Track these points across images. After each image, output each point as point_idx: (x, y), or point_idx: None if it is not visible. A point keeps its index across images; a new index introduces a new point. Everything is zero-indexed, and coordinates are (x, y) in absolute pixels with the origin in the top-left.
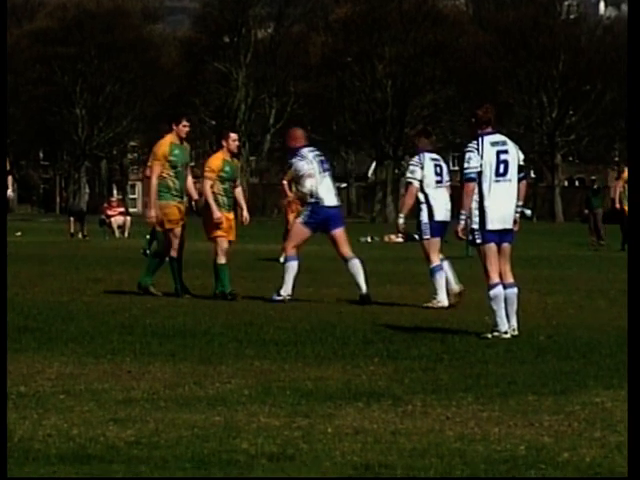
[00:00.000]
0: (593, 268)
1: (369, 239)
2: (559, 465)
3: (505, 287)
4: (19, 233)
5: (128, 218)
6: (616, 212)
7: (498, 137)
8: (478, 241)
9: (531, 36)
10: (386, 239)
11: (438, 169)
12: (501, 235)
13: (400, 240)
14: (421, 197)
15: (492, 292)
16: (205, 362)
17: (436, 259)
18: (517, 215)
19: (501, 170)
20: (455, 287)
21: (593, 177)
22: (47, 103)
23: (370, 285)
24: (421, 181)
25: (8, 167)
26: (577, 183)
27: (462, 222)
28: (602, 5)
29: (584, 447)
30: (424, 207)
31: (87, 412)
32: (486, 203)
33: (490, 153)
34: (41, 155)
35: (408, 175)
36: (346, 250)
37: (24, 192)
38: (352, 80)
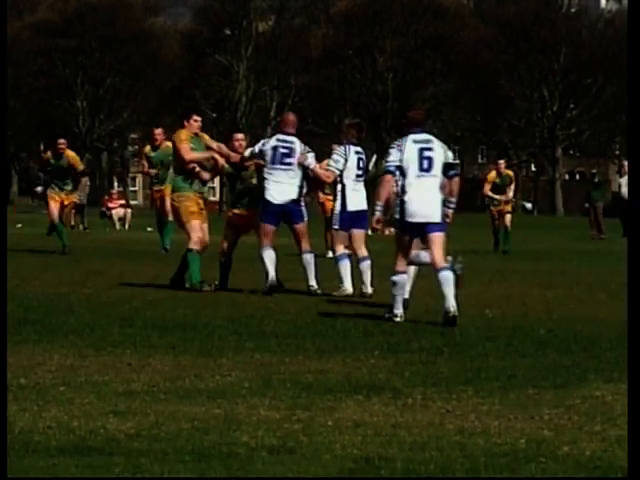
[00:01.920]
0: (594, 262)
1: (369, 232)
2: (559, 458)
3: (438, 271)
4: (20, 225)
5: (129, 210)
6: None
7: (423, 136)
8: (396, 231)
9: (532, 29)
10: (387, 232)
11: (361, 163)
12: (423, 228)
13: None
14: (338, 187)
15: (394, 277)
16: (205, 355)
17: (340, 249)
18: (450, 210)
19: (425, 166)
20: (364, 289)
21: (594, 170)
22: (48, 95)
23: (371, 278)
24: (341, 172)
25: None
26: (578, 177)
27: (378, 213)
28: None
29: (584, 441)
30: (339, 198)
31: (87, 404)
32: (406, 197)
33: (412, 150)
34: (42, 147)
35: (331, 164)
36: (305, 245)
37: (25, 184)
38: (353, 73)
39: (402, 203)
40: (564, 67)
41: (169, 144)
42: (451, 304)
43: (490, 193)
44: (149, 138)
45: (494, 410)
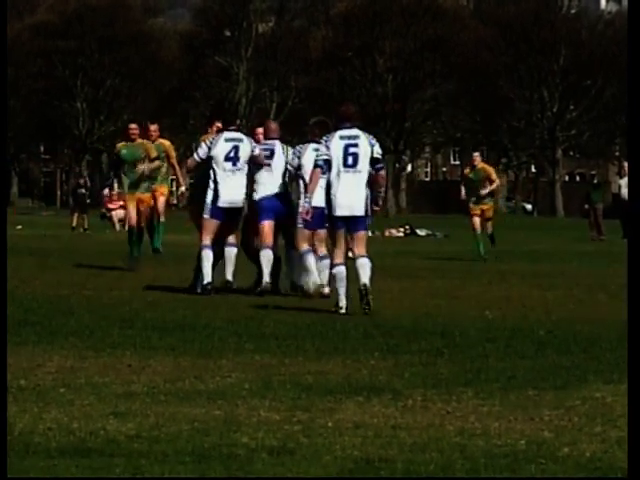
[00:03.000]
0: (593, 263)
1: (369, 233)
2: (559, 460)
3: (357, 258)
4: (20, 226)
5: None
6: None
7: (350, 131)
8: (327, 224)
9: (532, 31)
10: (387, 233)
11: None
12: (350, 222)
13: (400, 234)
14: (301, 185)
15: (333, 270)
16: (205, 356)
17: (304, 246)
18: (379, 201)
19: (350, 161)
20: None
21: (593, 172)
22: (48, 97)
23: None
24: (297, 169)
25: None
26: (578, 178)
27: (306, 205)
28: (603, 0)
29: (584, 442)
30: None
31: (87, 406)
32: (333, 191)
33: (338, 145)
34: (42, 149)
35: (288, 161)
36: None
37: (25, 186)
38: (353, 74)
39: (329, 198)
40: (564, 68)
41: (164, 141)
42: (365, 280)
43: (462, 190)
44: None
45: (494, 411)
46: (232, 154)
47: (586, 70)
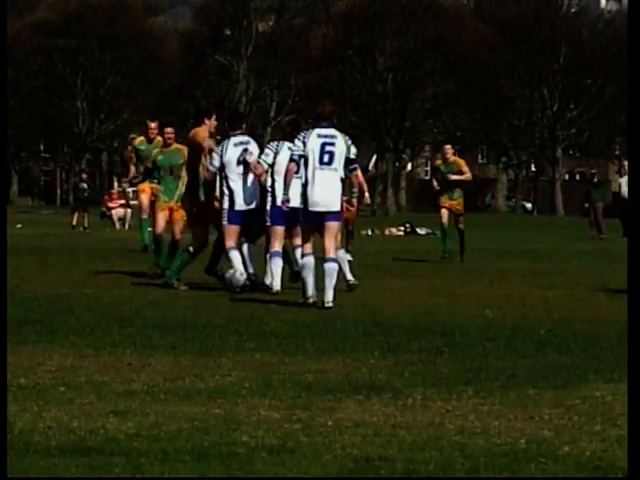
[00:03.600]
0: (593, 262)
1: (369, 232)
2: (559, 459)
3: (325, 261)
4: (19, 225)
5: (129, 210)
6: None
7: (328, 131)
8: (301, 219)
9: (532, 30)
10: (387, 232)
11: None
12: (322, 216)
13: (401, 233)
14: (269, 182)
15: (301, 260)
16: (205, 355)
17: (276, 245)
18: (354, 199)
19: (325, 159)
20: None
21: (593, 171)
22: (48, 95)
23: (371, 278)
24: (272, 166)
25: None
26: (578, 177)
27: (283, 196)
28: None
29: (584, 441)
30: (270, 194)
31: (87, 404)
32: (309, 188)
33: (315, 143)
34: (42, 147)
35: (262, 158)
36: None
37: (24, 184)
38: (353, 73)
39: (305, 194)
40: (564, 67)
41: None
42: (329, 297)
43: (434, 182)
44: (143, 132)
45: (494, 410)
46: (242, 158)
47: (586, 69)
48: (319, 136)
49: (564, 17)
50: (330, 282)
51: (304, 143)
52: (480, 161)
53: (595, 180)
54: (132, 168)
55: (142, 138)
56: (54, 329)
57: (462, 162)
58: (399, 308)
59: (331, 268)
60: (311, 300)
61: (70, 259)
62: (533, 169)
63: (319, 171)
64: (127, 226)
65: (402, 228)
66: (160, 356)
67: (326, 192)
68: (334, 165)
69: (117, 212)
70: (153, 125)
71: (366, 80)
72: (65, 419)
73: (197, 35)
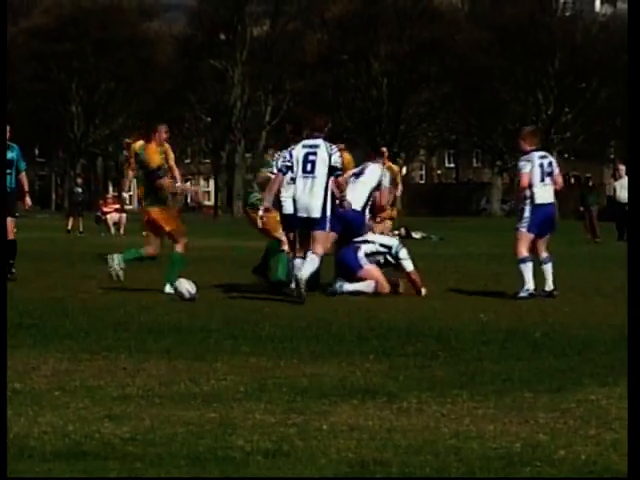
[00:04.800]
0: (588, 265)
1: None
2: (554, 462)
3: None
4: (15, 230)
5: (123, 215)
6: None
7: (313, 141)
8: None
9: (527, 33)
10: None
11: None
12: (308, 223)
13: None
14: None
15: (295, 261)
16: (200, 359)
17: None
18: (345, 203)
19: (308, 168)
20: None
21: (588, 174)
22: (43, 100)
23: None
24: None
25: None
26: (572, 180)
27: (266, 203)
28: (598, 2)
29: (579, 444)
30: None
31: (82, 409)
32: (295, 194)
33: (300, 153)
34: (36, 152)
35: (273, 165)
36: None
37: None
38: (348, 78)
39: (294, 201)
40: (559, 71)
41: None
42: (300, 273)
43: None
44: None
45: (489, 414)
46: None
47: (581, 73)
48: (304, 146)
49: (559, 21)
50: (309, 267)
51: (290, 154)
52: (475, 165)
53: (590, 184)
54: (130, 174)
55: (142, 142)
56: (49, 333)
57: (396, 168)
58: (394, 312)
59: (310, 258)
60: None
61: (65, 263)
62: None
63: (302, 179)
64: (122, 231)
65: (397, 232)
66: (155, 360)
67: (307, 198)
68: (315, 173)
69: (112, 217)
70: (164, 129)
71: (361, 84)
72: (60, 423)
73: (192, 40)
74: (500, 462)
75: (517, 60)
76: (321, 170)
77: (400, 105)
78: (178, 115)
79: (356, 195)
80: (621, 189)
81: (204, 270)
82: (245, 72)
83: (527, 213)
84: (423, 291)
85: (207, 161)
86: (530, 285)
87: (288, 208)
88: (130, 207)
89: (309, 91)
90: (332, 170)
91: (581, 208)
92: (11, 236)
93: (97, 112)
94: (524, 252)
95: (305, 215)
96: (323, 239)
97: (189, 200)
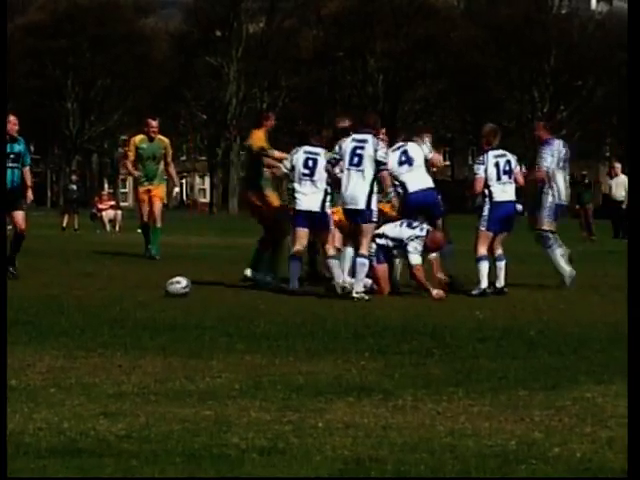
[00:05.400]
0: (584, 263)
1: None
2: (550, 460)
3: (357, 256)
4: (10, 227)
5: (119, 212)
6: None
7: (361, 136)
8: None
9: (522, 31)
10: None
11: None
12: (353, 215)
13: None
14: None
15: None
16: (196, 356)
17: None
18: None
19: (355, 161)
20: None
21: (584, 172)
22: (38, 97)
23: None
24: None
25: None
26: (568, 178)
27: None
28: (594, 0)
29: (575, 442)
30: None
31: (78, 406)
32: (342, 187)
33: (348, 146)
34: (32, 149)
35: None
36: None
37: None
38: (344, 74)
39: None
40: (554, 69)
41: (162, 138)
42: (359, 288)
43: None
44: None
45: (485, 412)
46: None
47: (577, 71)
48: (353, 140)
49: (554, 19)
50: (359, 275)
51: (340, 147)
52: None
53: (586, 181)
54: (129, 165)
55: (142, 136)
56: (44, 330)
57: None
58: (389, 310)
59: (360, 262)
60: (341, 287)
61: (60, 260)
62: (524, 170)
63: (349, 172)
64: (117, 228)
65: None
66: (150, 358)
67: (353, 190)
68: (362, 166)
69: (107, 214)
70: (154, 123)
71: (357, 81)
72: (55, 420)
73: (187, 36)
74: (495, 460)
75: (512, 58)
76: (367, 164)
77: (396, 102)
78: (173, 112)
79: (423, 177)
80: (617, 187)
81: (199, 267)
82: (241, 69)
83: (486, 212)
84: (434, 292)
85: (203, 158)
86: (483, 284)
87: (302, 204)
88: (125, 204)
89: (305, 88)
90: (378, 164)
91: (577, 206)
92: (23, 227)
93: (93, 109)
94: (482, 251)
95: (352, 207)
96: (370, 231)
97: (185, 197)
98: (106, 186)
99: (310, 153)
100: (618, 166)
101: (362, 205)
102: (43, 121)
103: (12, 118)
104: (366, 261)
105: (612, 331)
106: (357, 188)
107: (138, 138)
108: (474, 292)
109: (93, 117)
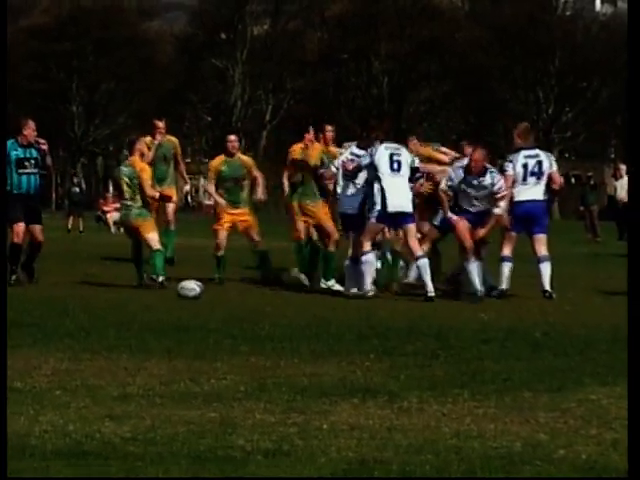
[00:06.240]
0: (589, 265)
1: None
2: (555, 462)
3: (417, 259)
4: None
5: None
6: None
7: (395, 144)
8: (373, 220)
9: (527, 32)
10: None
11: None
12: (398, 217)
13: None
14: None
15: (365, 257)
16: (201, 358)
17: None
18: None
19: (395, 167)
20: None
21: (590, 174)
22: (43, 100)
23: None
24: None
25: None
26: (573, 180)
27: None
28: (598, 1)
29: (580, 444)
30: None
31: (83, 408)
32: (385, 191)
33: (384, 154)
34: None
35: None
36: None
37: None
38: (348, 76)
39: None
40: (559, 70)
41: (171, 138)
42: (430, 287)
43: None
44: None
45: (490, 413)
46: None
47: (581, 72)
48: (387, 148)
49: (559, 20)
50: (427, 276)
51: (371, 154)
52: None
53: (591, 183)
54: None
55: (150, 138)
56: (50, 332)
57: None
58: (394, 311)
59: (424, 264)
60: (371, 293)
61: (66, 262)
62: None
63: (391, 177)
64: (122, 230)
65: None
66: (156, 360)
67: (399, 195)
68: (402, 172)
69: (112, 216)
70: (161, 124)
71: (361, 83)
72: (61, 423)
73: (192, 39)
74: (500, 461)
75: (517, 59)
76: (405, 169)
77: (401, 103)
78: (179, 114)
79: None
80: (621, 188)
81: (204, 269)
82: (245, 71)
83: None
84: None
85: (207, 160)
86: (504, 285)
87: (350, 207)
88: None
89: (310, 90)
90: (413, 171)
91: (581, 208)
92: (40, 239)
93: (97, 112)
94: (506, 251)
95: (399, 210)
96: (415, 232)
97: (189, 199)
98: (111, 188)
99: (354, 155)
100: (623, 167)
101: (410, 208)
102: (48, 124)
103: (31, 123)
104: (427, 260)
105: (617, 333)
106: (404, 193)
107: (148, 140)
108: (493, 293)
109: (98, 120)
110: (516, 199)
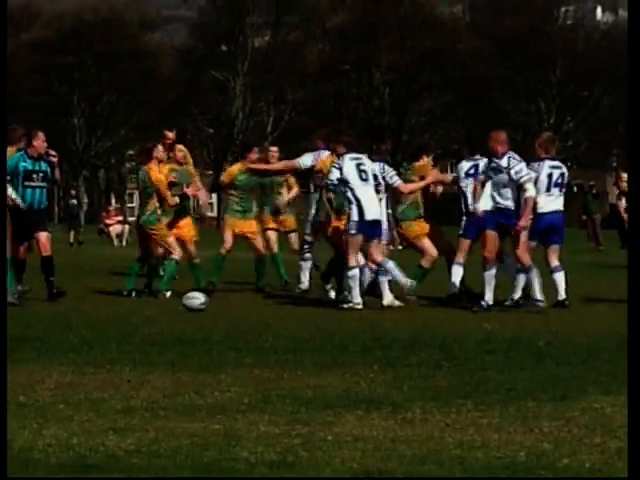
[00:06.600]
0: (591, 274)
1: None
2: (559, 471)
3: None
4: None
5: (126, 227)
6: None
7: (356, 155)
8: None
9: (528, 42)
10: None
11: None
12: (374, 226)
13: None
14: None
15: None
16: (204, 371)
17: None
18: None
19: (363, 177)
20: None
21: (592, 182)
22: (45, 113)
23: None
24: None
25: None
26: (575, 189)
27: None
28: (599, 11)
29: (584, 453)
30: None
31: (87, 421)
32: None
33: (351, 165)
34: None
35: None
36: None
37: None
38: (349, 87)
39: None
40: (560, 80)
41: (181, 147)
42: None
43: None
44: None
45: (493, 423)
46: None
47: (583, 81)
48: (351, 159)
49: (560, 29)
50: (356, 289)
51: (340, 169)
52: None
53: (593, 192)
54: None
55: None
56: (52, 346)
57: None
58: (397, 322)
59: (354, 274)
60: (359, 307)
61: (68, 276)
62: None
63: (362, 187)
64: (124, 242)
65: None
66: (159, 373)
67: (375, 204)
68: (370, 181)
69: (115, 229)
70: (171, 135)
71: (363, 94)
72: (65, 436)
73: (193, 51)
74: (505, 471)
75: (518, 69)
76: (371, 178)
77: (402, 114)
78: (180, 126)
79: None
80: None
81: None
82: (246, 83)
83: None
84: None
85: (209, 172)
86: (517, 294)
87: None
88: (132, 219)
89: (311, 101)
90: (375, 178)
91: (584, 216)
92: (48, 248)
93: (99, 124)
94: (524, 261)
95: (376, 218)
96: (382, 247)
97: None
98: (113, 201)
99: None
100: (625, 176)
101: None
102: (50, 137)
103: (40, 134)
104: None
105: (620, 341)
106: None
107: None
108: (507, 303)
109: (100, 133)
110: (540, 210)
